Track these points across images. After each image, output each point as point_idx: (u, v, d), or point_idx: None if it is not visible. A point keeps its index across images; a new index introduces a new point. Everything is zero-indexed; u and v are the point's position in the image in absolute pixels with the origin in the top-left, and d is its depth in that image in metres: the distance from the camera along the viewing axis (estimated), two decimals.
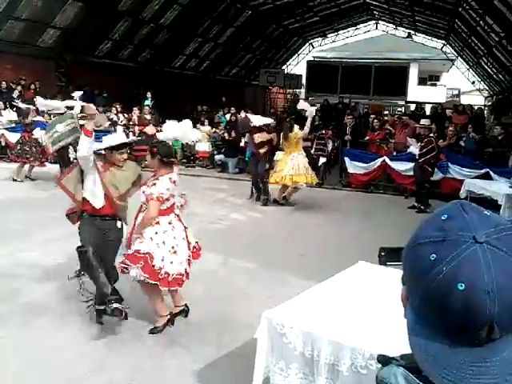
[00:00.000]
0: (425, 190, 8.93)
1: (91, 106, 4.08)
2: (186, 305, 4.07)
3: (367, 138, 11.35)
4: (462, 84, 28.40)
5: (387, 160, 10.38)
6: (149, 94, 15.35)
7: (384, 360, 0.83)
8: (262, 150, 8.80)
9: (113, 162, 3.81)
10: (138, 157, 11.69)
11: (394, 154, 10.84)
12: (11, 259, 5.22)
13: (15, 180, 9.59)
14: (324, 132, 11.77)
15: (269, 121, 9.52)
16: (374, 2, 21.72)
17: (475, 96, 26.55)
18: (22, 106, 10.59)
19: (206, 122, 13.68)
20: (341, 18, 24.55)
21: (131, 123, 12.97)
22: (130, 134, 12.61)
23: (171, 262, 3.65)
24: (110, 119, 13.04)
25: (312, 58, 26.51)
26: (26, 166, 9.82)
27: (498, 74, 20.52)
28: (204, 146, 13.27)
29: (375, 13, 24.28)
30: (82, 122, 3.92)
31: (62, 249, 5.20)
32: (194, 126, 14.20)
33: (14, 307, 4.14)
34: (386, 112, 20.62)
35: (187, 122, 4.73)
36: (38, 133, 10.20)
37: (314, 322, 2.45)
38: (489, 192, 7.65)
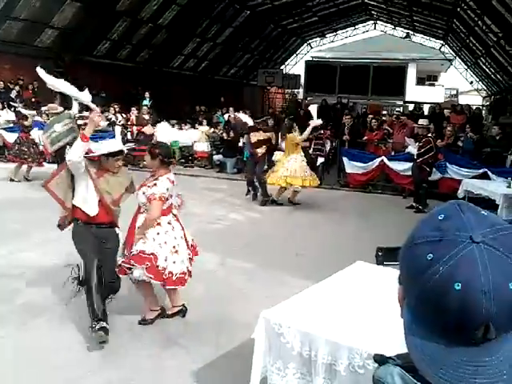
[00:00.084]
0: (423, 190, 8.94)
1: (97, 110, 3.88)
2: (183, 305, 4.09)
3: (365, 137, 11.36)
4: (460, 84, 28.46)
5: (385, 160, 10.39)
6: (147, 94, 15.35)
7: (380, 359, 0.83)
8: (259, 150, 8.74)
9: (107, 169, 3.70)
10: (136, 157, 11.71)
11: (392, 153, 10.85)
12: (9, 259, 5.21)
13: (13, 180, 9.59)
14: (322, 132, 11.78)
15: (250, 121, 9.41)
16: (373, 2, 21.74)
17: (473, 96, 26.60)
18: (25, 112, 10.57)
19: (205, 122, 13.69)
20: (339, 18, 24.57)
21: (129, 123, 12.97)
22: (128, 133, 12.61)
23: (174, 262, 3.72)
24: (108, 119, 13.03)
25: (310, 58, 26.52)
26: (24, 167, 9.81)
27: (496, 74, 20.56)
28: (202, 146, 13.28)
29: (373, 13, 24.30)
30: (80, 121, 3.88)
31: (59, 249, 5.19)
32: (193, 126, 14.30)
33: (13, 307, 4.13)
34: (385, 112, 20.65)
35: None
36: (35, 133, 10.19)
37: (311, 321, 2.46)
38: (486, 192, 7.66)
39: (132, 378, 3.24)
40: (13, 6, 12.92)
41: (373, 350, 2.04)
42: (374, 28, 26.71)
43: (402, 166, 10.09)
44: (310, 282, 3.16)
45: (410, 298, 0.75)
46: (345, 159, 10.78)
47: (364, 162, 10.66)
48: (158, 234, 3.72)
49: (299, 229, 7.39)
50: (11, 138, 10.95)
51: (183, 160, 13.44)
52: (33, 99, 13.40)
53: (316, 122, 9.18)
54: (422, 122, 9.54)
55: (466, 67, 25.18)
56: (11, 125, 11.69)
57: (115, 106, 13.62)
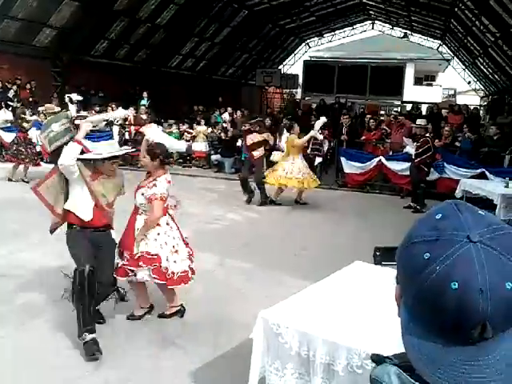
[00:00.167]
0: (421, 190, 8.96)
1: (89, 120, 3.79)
2: (181, 305, 4.09)
3: (363, 137, 11.38)
4: (457, 84, 28.49)
5: (383, 160, 10.41)
6: (145, 94, 15.34)
7: (378, 359, 0.83)
8: (255, 153, 8.62)
9: (101, 172, 3.61)
10: (134, 157, 11.69)
11: (390, 153, 10.87)
12: (8, 260, 5.20)
13: (10, 180, 9.59)
14: (320, 132, 11.78)
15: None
16: (371, 2, 21.75)
17: (471, 96, 26.65)
18: (31, 118, 10.52)
19: (203, 121, 13.68)
20: (337, 18, 24.57)
21: (127, 123, 12.94)
22: (126, 133, 12.60)
23: (174, 261, 3.78)
24: (106, 120, 13.00)
25: (308, 58, 26.54)
26: (21, 167, 9.80)
27: (494, 74, 20.60)
28: (200, 146, 13.27)
29: (371, 13, 24.32)
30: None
31: (57, 249, 5.17)
32: (191, 127, 14.26)
33: (12, 308, 4.13)
34: (382, 112, 20.67)
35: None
36: (33, 133, 10.17)
37: (309, 321, 2.46)
38: (484, 192, 7.67)
39: (130, 379, 3.24)
40: (10, 5, 12.89)
41: (371, 350, 2.04)
42: (372, 28, 26.74)
43: (399, 166, 10.11)
44: (309, 282, 3.16)
45: (407, 297, 0.75)
46: (343, 159, 10.79)
47: (362, 161, 10.67)
48: (159, 234, 3.76)
49: (297, 229, 7.39)
50: (9, 137, 10.93)
51: (181, 160, 13.43)
52: (30, 99, 13.38)
53: (320, 122, 9.09)
54: (419, 121, 9.56)
55: (463, 67, 25.22)
56: (9, 124, 11.66)
57: (113, 106, 13.55)
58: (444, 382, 0.69)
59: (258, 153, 8.66)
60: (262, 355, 2.52)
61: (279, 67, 26.66)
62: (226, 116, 13.11)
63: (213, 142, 13.20)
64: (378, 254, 3.22)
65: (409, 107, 18.49)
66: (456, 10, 16.12)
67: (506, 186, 7.53)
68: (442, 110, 16.15)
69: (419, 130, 9.25)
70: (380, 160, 10.42)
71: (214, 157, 12.96)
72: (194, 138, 13.41)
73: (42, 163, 10.07)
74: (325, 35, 27.43)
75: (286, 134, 11.51)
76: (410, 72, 27.12)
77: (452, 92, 30.48)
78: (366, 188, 10.82)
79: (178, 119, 14.08)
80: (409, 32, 24.69)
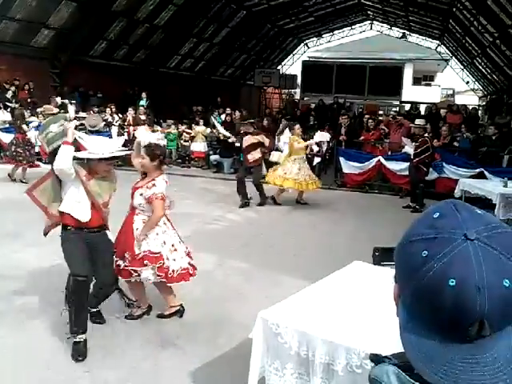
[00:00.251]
0: (420, 190, 8.97)
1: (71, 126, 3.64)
2: (181, 305, 4.10)
3: (362, 137, 11.39)
4: (456, 84, 28.52)
5: (382, 160, 10.41)
6: (144, 95, 15.33)
7: (376, 359, 0.84)
8: (249, 157, 8.52)
9: (96, 171, 3.52)
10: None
11: (389, 153, 10.88)
12: (6, 260, 5.19)
13: (11, 178, 9.66)
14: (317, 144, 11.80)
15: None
16: (369, 3, 21.77)
17: (469, 96, 26.68)
18: (32, 123, 10.53)
19: (201, 122, 13.68)
20: (336, 18, 24.60)
21: (126, 124, 12.94)
22: (125, 134, 12.59)
23: (174, 259, 3.83)
24: (104, 120, 13.01)
25: (307, 58, 26.56)
26: (20, 169, 9.81)
27: (492, 74, 20.64)
28: (199, 146, 13.27)
29: (370, 13, 24.35)
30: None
31: (54, 250, 5.16)
32: (190, 127, 14.24)
33: (10, 308, 4.12)
34: (381, 112, 20.69)
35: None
36: (32, 133, 10.17)
37: (309, 321, 2.46)
38: (483, 191, 7.69)
39: (129, 379, 3.24)
40: (9, 6, 12.88)
41: (370, 350, 2.04)
42: (371, 28, 26.78)
43: (398, 166, 10.12)
44: (308, 282, 3.16)
45: (406, 295, 0.76)
46: (341, 159, 10.80)
47: (361, 161, 10.68)
48: (157, 234, 3.81)
49: (296, 229, 7.40)
50: (7, 138, 10.93)
51: (180, 160, 13.43)
52: (28, 100, 13.37)
53: (320, 136, 9.00)
54: (418, 121, 9.57)
55: (462, 67, 25.25)
56: (7, 125, 11.66)
57: (112, 107, 13.60)
58: (442, 380, 0.69)
59: (251, 156, 8.51)
60: (261, 355, 2.52)
61: (278, 67, 26.68)
62: (213, 119, 12.98)
63: (212, 143, 13.20)
64: (377, 254, 3.23)
65: (407, 107, 18.53)
66: (454, 10, 16.15)
67: (505, 186, 7.55)
68: (441, 109, 16.17)
69: (418, 130, 9.26)
70: (379, 160, 10.43)
71: (212, 157, 12.96)
72: (192, 139, 13.41)
73: (40, 164, 10.07)
74: (323, 35, 27.46)
75: (286, 135, 11.53)
76: (408, 72, 27.18)
77: (450, 92, 30.50)
78: (365, 188, 10.82)
79: (176, 120, 14.08)
80: (407, 32, 24.72)
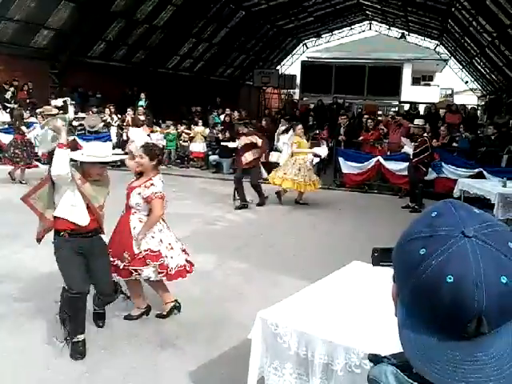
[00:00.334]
0: (419, 190, 8.97)
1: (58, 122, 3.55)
2: (176, 300, 4.11)
3: (361, 138, 11.39)
4: (455, 84, 28.54)
5: (381, 160, 10.42)
6: (143, 95, 15.33)
7: (375, 359, 0.84)
8: (243, 159, 8.48)
9: (90, 174, 3.43)
10: None
11: (388, 153, 10.88)
12: (6, 261, 5.19)
13: (12, 178, 9.69)
14: (318, 132, 11.81)
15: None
16: (368, 3, 21.78)
17: (468, 96, 26.69)
18: (31, 127, 10.52)
19: (200, 122, 13.69)
20: (335, 19, 24.59)
21: (125, 124, 12.94)
22: (124, 134, 12.59)
23: (171, 257, 3.86)
24: (103, 120, 13.01)
25: (306, 59, 26.55)
26: (19, 170, 9.83)
27: (491, 74, 20.64)
28: (198, 147, 13.27)
29: (369, 13, 24.35)
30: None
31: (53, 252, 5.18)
32: (189, 127, 14.23)
33: (9, 309, 4.12)
34: (380, 112, 20.69)
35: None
36: (32, 133, 10.17)
37: (308, 321, 2.46)
38: (482, 191, 7.69)
39: (129, 379, 3.24)
40: (7, 6, 12.88)
41: (369, 350, 2.05)
42: (370, 28, 26.76)
43: (397, 166, 10.12)
44: (307, 282, 3.16)
45: (404, 294, 0.76)
46: (341, 159, 10.81)
47: (360, 162, 10.68)
48: (155, 232, 3.84)
49: (296, 229, 7.40)
50: (6, 139, 10.92)
51: (179, 160, 13.43)
52: (27, 100, 13.36)
53: (321, 151, 8.95)
54: (417, 121, 9.58)
55: (461, 67, 25.26)
56: (6, 126, 11.65)
57: (111, 107, 13.59)
58: (441, 378, 0.70)
59: (244, 158, 8.46)
60: (260, 355, 2.52)
61: (277, 68, 26.67)
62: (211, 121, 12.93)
63: (211, 143, 13.20)
64: (376, 254, 3.22)
65: (406, 107, 18.54)
66: (453, 10, 16.16)
67: (504, 186, 7.55)
68: (440, 109, 16.19)
69: (417, 130, 9.26)
70: (378, 160, 10.43)
71: (212, 157, 12.95)
72: (191, 139, 13.41)
73: (39, 164, 10.07)
74: (322, 36, 27.44)
75: (286, 135, 11.53)
76: (407, 72, 27.18)
77: (449, 92, 30.53)
78: (365, 188, 10.83)
79: (175, 120, 14.08)
80: (406, 32, 24.70)
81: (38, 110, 11.34)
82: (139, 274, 3.79)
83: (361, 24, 26.69)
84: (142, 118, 12.83)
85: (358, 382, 2.18)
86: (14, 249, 5.57)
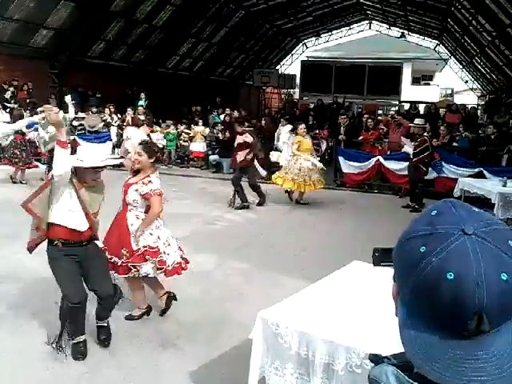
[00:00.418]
0: (419, 189, 8.97)
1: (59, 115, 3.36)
2: (168, 292, 4.11)
3: (361, 137, 11.39)
4: (455, 83, 28.56)
5: (381, 159, 10.42)
6: (142, 95, 15.33)
7: (375, 359, 0.84)
8: (237, 157, 8.50)
9: (84, 180, 3.33)
10: None
11: (388, 153, 10.88)
12: (6, 261, 5.19)
13: (13, 180, 9.69)
14: (318, 132, 11.81)
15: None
16: (367, 2, 21.77)
17: (468, 95, 26.70)
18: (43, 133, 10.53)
19: (200, 122, 13.68)
20: (334, 18, 24.59)
21: (125, 124, 12.93)
22: (124, 134, 12.58)
23: (168, 254, 3.88)
24: (103, 120, 13.01)
25: (306, 58, 26.55)
26: (19, 170, 9.83)
27: (491, 74, 20.64)
28: (198, 147, 13.26)
29: (368, 13, 24.35)
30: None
31: None
32: (189, 127, 14.23)
33: (8, 310, 4.12)
34: (380, 111, 20.70)
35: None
36: (33, 133, 10.17)
37: (308, 321, 2.46)
38: (482, 191, 7.69)
39: (129, 379, 3.24)
40: (6, 6, 12.87)
41: (370, 350, 2.04)
42: (369, 28, 26.76)
43: (398, 166, 10.12)
44: (308, 282, 3.16)
45: (404, 292, 0.76)
46: (341, 159, 10.80)
47: (360, 161, 10.68)
48: (152, 229, 3.87)
49: (296, 229, 7.40)
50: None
51: (179, 160, 13.43)
52: (27, 100, 13.35)
53: (316, 162, 8.84)
54: (417, 121, 9.57)
55: (460, 67, 25.26)
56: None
57: (111, 107, 13.59)
58: (442, 377, 0.70)
59: (238, 157, 8.48)
60: (261, 355, 2.52)
61: (277, 67, 26.68)
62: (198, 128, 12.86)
63: (211, 143, 13.20)
64: (377, 254, 3.22)
65: (406, 107, 18.53)
66: (453, 9, 16.16)
67: (504, 185, 7.55)
68: (440, 109, 16.18)
69: (417, 130, 9.26)
70: (378, 160, 10.43)
71: (212, 157, 12.95)
72: (191, 139, 13.40)
73: (39, 164, 10.06)
74: (322, 35, 27.44)
75: (286, 135, 11.54)
76: (407, 72, 27.18)
77: (449, 91, 30.55)
78: (365, 188, 10.82)
79: (175, 120, 14.07)
80: (406, 32, 24.72)
81: (38, 109, 11.36)
82: (138, 271, 3.80)
83: (360, 24, 26.69)
84: (142, 117, 12.81)
85: (358, 382, 2.18)
86: (13, 249, 5.56)
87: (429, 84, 32.59)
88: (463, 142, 10.98)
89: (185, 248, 4.23)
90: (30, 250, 3.51)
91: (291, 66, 27.76)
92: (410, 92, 24.77)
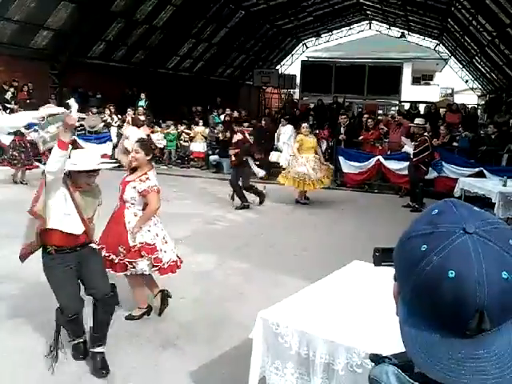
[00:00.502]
0: (419, 189, 8.97)
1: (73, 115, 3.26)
2: (161, 290, 4.11)
3: (361, 137, 11.39)
4: (455, 83, 28.55)
5: (381, 159, 10.42)
6: (143, 95, 15.33)
7: (376, 359, 0.84)
8: (232, 158, 8.61)
9: (79, 185, 3.23)
10: None
11: (389, 153, 10.88)
12: (6, 262, 5.18)
13: (15, 182, 9.71)
14: (318, 132, 11.80)
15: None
16: (367, 2, 21.77)
17: (468, 95, 26.68)
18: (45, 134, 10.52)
19: (201, 122, 13.68)
20: (334, 18, 24.59)
21: (125, 124, 12.93)
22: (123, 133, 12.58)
23: (165, 251, 3.90)
24: (103, 120, 13.01)
25: (306, 58, 26.55)
26: (20, 171, 9.85)
27: (491, 73, 20.64)
28: (198, 147, 13.27)
29: (368, 13, 24.35)
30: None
31: None
32: (189, 127, 14.22)
33: (8, 310, 4.12)
34: (380, 111, 20.68)
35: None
36: (33, 134, 10.17)
37: (309, 321, 2.46)
38: (483, 190, 7.69)
39: (129, 379, 3.24)
40: (7, 7, 12.87)
41: (370, 349, 2.04)
42: (369, 28, 26.77)
43: (398, 165, 10.12)
44: (308, 282, 3.16)
45: (405, 291, 0.76)
46: (341, 159, 10.80)
47: (360, 161, 10.69)
48: (150, 226, 3.88)
49: (296, 229, 7.39)
50: (7, 140, 10.91)
51: (179, 160, 13.43)
52: (28, 101, 13.35)
53: (307, 170, 8.76)
54: (417, 121, 9.57)
55: (461, 66, 25.26)
56: None
57: (111, 107, 13.59)
58: (443, 376, 0.69)
59: (231, 157, 8.65)
60: (261, 355, 2.52)
61: (277, 67, 26.67)
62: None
63: (211, 143, 13.20)
64: (377, 254, 3.22)
65: (407, 106, 18.52)
66: (453, 9, 16.15)
67: (504, 185, 7.55)
68: (440, 109, 16.18)
69: (417, 129, 9.26)
70: (378, 159, 10.43)
71: (212, 157, 12.95)
72: (192, 139, 13.40)
73: (40, 165, 10.06)
74: (322, 35, 27.45)
75: (286, 135, 11.54)
76: (407, 72, 27.18)
77: (450, 91, 30.53)
78: (365, 187, 10.82)
79: (176, 120, 14.08)
80: (406, 32, 24.72)
81: (40, 109, 11.35)
82: (134, 268, 3.80)
83: (360, 24, 26.69)
84: (142, 118, 12.83)
85: (359, 382, 2.17)
86: (14, 249, 5.52)
87: (429, 84, 32.58)
88: (463, 141, 10.98)
89: (185, 248, 4.25)
90: (22, 259, 3.43)
91: (291, 66, 27.78)
92: (410, 92, 24.76)
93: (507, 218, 7.10)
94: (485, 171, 9.37)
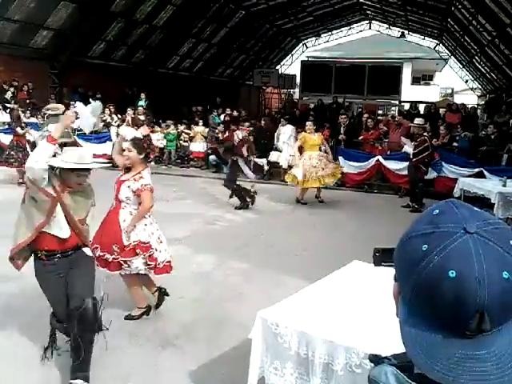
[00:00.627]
0: (419, 189, 8.96)
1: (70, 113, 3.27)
2: (159, 288, 4.11)
3: (361, 137, 11.39)
4: (455, 83, 28.56)
5: (381, 159, 10.42)
6: (143, 95, 15.33)
7: (375, 359, 0.84)
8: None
9: (68, 184, 3.10)
10: None
11: (388, 153, 10.88)
12: (5, 261, 5.17)
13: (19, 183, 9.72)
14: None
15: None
16: (367, 2, 21.78)
17: (468, 95, 26.68)
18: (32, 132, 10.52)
19: (200, 122, 13.68)
20: (334, 18, 24.60)
21: (125, 124, 12.92)
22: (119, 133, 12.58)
23: (160, 251, 3.90)
24: (103, 120, 13.00)
25: (306, 58, 26.55)
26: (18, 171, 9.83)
27: (491, 73, 20.64)
28: (198, 147, 13.26)
29: (368, 13, 24.35)
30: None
31: None
32: (189, 127, 14.21)
33: (8, 310, 4.12)
34: (380, 111, 20.69)
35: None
36: (34, 134, 10.16)
37: (308, 321, 2.46)
38: (482, 190, 7.69)
39: (129, 379, 3.24)
40: (7, 7, 12.87)
41: (370, 350, 2.04)
42: (369, 28, 26.76)
43: (398, 166, 10.12)
44: (308, 282, 3.16)
45: (406, 292, 0.76)
46: (341, 159, 10.80)
47: (360, 161, 10.69)
48: (146, 224, 3.89)
49: (296, 229, 7.39)
50: (7, 139, 10.92)
51: (179, 160, 13.43)
52: (27, 101, 13.36)
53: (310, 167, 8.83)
54: (417, 121, 9.56)
55: (460, 66, 25.26)
56: (6, 126, 11.64)
57: (111, 107, 13.59)
58: (443, 376, 0.69)
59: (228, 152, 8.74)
60: (261, 355, 2.52)
61: (277, 67, 26.68)
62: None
63: (212, 139, 13.18)
64: (377, 254, 3.21)
65: (407, 106, 18.52)
66: (453, 9, 16.16)
67: (504, 185, 7.55)
68: (440, 109, 16.18)
69: (417, 130, 9.25)
70: (378, 159, 10.43)
71: (212, 157, 12.94)
72: (192, 139, 13.39)
73: None
74: (322, 35, 27.45)
75: (286, 135, 11.52)
76: (407, 71, 27.18)
77: (449, 91, 30.55)
78: (365, 187, 10.82)
79: (175, 120, 14.07)
80: (406, 32, 24.71)
81: (44, 108, 11.35)
82: (129, 266, 3.79)
83: (360, 23, 26.69)
84: (142, 117, 12.83)
85: (358, 382, 2.17)
86: (8, 249, 5.55)
87: (429, 84, 32.59)
88: (463, 141, 10.98)
89: (185, 248, 4.24)
90: (12, 261, 3.35)
91: (291, 66, 27.77)
92: (410, 92, 24.77)
93: (507, 218, 7.10)
94: (484, 171, 9.37)
